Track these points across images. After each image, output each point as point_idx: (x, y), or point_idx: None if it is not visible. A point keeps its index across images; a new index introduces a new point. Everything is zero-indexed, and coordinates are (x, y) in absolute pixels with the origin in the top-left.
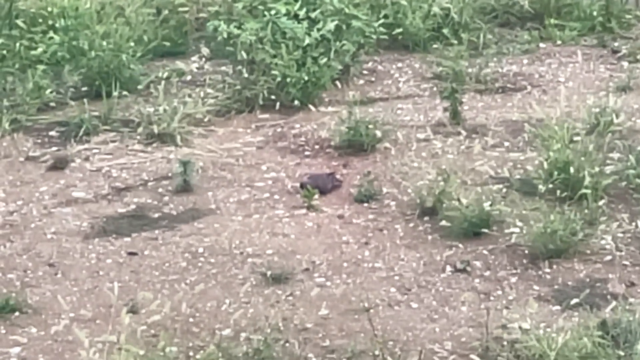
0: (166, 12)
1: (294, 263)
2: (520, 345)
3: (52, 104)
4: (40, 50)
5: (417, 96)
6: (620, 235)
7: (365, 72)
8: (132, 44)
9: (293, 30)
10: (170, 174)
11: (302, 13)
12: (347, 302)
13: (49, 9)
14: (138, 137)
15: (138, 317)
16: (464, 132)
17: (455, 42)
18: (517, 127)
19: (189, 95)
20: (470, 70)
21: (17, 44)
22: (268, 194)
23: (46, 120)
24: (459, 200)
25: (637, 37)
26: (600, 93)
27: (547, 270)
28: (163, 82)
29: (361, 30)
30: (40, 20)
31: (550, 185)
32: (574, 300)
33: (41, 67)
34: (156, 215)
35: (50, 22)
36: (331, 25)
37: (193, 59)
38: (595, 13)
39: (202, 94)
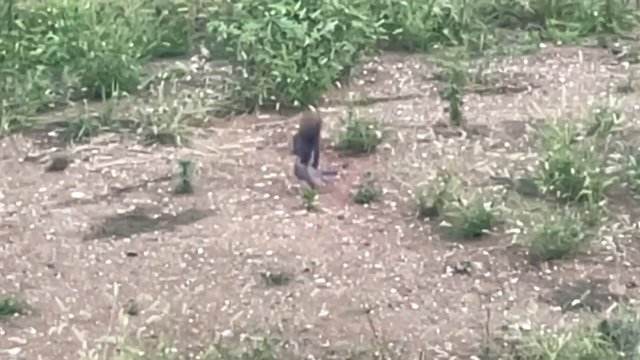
0: (166, 12)
1: (294, 264)
2: (520, 346)
3: (52, 105)
4: (39, 50)
5: (417, 97)
6: (621, 236)
7: (365, 72)
8: (131, 44)
9: (293, 31)
10: (170, 175)
11: (302, 13)
12: (347, 303)
13: (49, 9)
14: (138, 137)
15: (137, 318)
16: (464, 133)
17: (456, 42)
18: (518, 128)
19: (189, 96)
20: (470, 70)
21: (17, 45)
22: (268, 194)
23: (45, 121)
24: (459, 201)
25: (638, 37)
26: (601, 94)
27: (548, 271)
28: (163, 83)
29: (361, 30)
30: (40, 20)
31: (551, 186)
32: (575, 301)
33: (40, 67)
34: (156, 216)
35: (49, 23)
36: (331, 26)
37: (193, 59)
38: (596, 13)
39: (201, 95)
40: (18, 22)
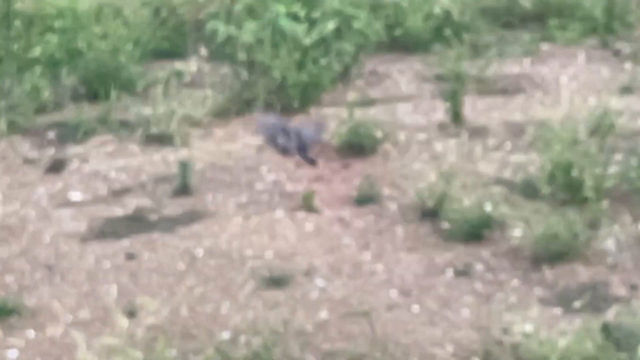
0: (165, 13)
1: (294, 265)
2: (521, 348)
3: (50, 106)
4: (37, 51)
5: (418, 97)
6: (623, 237)
7: (365, 73)
8: (130, 45)
9: (293, 31)
10: (168, 176)
11: (302, 14)
12: (347, 304)
13: (47, 10)
14: (136, 139)
15: (136, 319)
16: (465, 134)
17: (457, 43)
18: (519, 129)
19: (188, 97)
20: (471, 71)
21: (15, 45)
22: (267, 196)
23: (44, 122)
24: (460, 202)
25: (639, 38)
26: (603, 94)
27: (549, 272)
28: (162, 84)
29: (362, 31)
30: (38, 21)
31: (552, 187)
32: (576, 303)
33: (39, 68)
34: (155, 217)
35: (47, 23)
36: (331, 26)
37: (192, 60)
38: (597, 14)
39: (201, 96)
40: (16, 22)
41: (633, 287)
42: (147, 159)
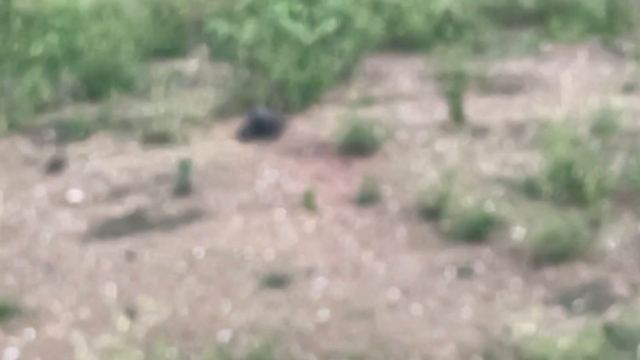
0: (165, 12)
1: (294, 265)
2: (522, 348)
3: (50, 105)
4: (38, 50)
5: (419, 97)
6: (624, 237)
7: (366, 72)
8: (130, 44)
9: (294, 31)
10: (169, 176)
11: (303, 13)
12: (348, 304)
13: (47, 9)
14: (136, 138)
15: (136, 320)
16: (466, 133)
17: (458, 42)
18: (520, 128)
19: (188, 97)
20: (472, 70)
21: (15, 45)
22: (268, 195)
23: (44, 121)
24: (461, 201)
25: None
26: (604, 93)
27: (550, 272)
28: (162, 83)
29: (363, 30)
30: (38, 20)
31: (554, 187)
32: (577, 303)
33: (39, 68)
34: (155, 217)
35: (48, 23)
36: (332, 26)
37: (192, 59)
38: (598, 13)
39: (201, 95)
40: (16, 22)
41: (634, 287)
42: (147, 158)
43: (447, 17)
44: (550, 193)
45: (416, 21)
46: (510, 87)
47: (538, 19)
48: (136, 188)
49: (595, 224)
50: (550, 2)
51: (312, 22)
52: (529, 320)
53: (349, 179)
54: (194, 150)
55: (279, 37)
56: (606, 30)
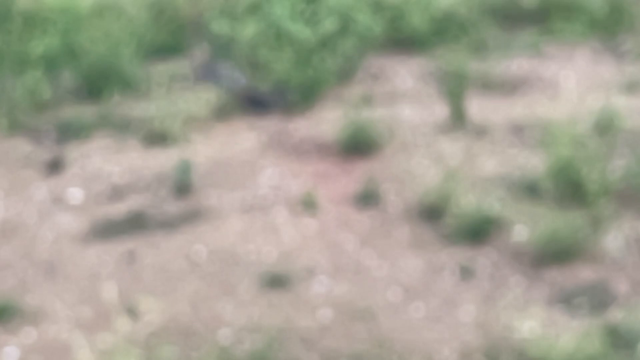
0: (166, 11)
1: (295, 265)
2: (524, 347)
3: (50, 105)
4: (37, 50)
5: (420, 97)
6: (627, 237)
7: (367, 72)
8: (130, 44)
9: (294, 31)
10: (169, 176)
11: (304, 13)
12: (349, 304)
13: (47, 9)
14: (137, 138)
15: (137, 319)
16: (467, 133)
17: (459, 42)
18: (522, 128)
19: (189, 96)
20: (474, 70)
21: (15, 45)
22: (269, 195)
23: (44, 122)
24: (462, 201)
25: None
26: (606, 93)
27: (552, 272)
28: (162, 83)
29: (363, 30)
30: (38, 20)
31: (556, 187)
32: (579, 303)
33: (39, 67)
34: (155, 217)
35: (48, 23)
36: (333, 26)
37: (193, 58)
38: (600, 13)
39: (202, 95)
40: (16, 21)
41: (636, 287)
42: (147, 158)
43: (449, 17)
44: (552, 193)
45: (417, 21)
46: (511, 87)
47: (539, 18)
48: (137, 188)
49: (597, 224)
50: (552, 1)
51: (313, 22)
52: (530, 320)
53: (350, 178)
54: (195, 149)
55: (280, 37)
56: (608, 29)
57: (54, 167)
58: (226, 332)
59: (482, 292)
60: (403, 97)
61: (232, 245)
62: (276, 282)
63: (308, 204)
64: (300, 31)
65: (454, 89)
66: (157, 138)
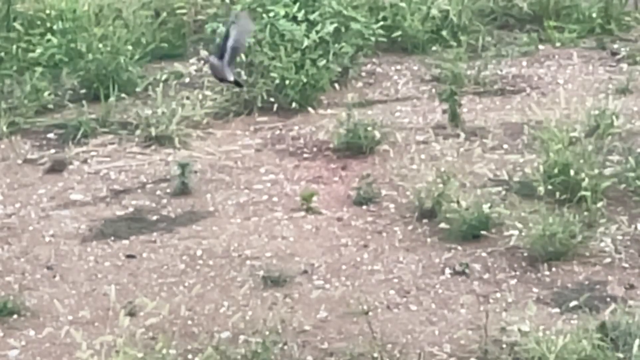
0: (164, 14)
1: (293, 266)
2: (519, 348)
3: (50, 107)
4: (38, 52)
5: (415, 98)
6: (620, 237)
7: (363, 74)
8: (130, 46)
9: (291, 33)
10: (168, 177)
11: (300, 15)
12: (346, 304)
13: (47, 11)
14: (136, 139)
15: (136, 319)
16: (463, 135)
17: (454, 44)
18: (516, 130)
19: (187, 98)
20: (469, 72)
21: (15, 47)
22: (266, 196)
23: (44, 123)
24: (458, 202)
25: (636, 39)
26: (600, 95)
27: (546, 272)
28: (161, 85)
29: (360, 32)
30: (38, 22)
31: (550, 188)
32: (573, 303)
33: (39, 69)
34: (154, 217)
35: (48, 25)
36: (330, 28)
37: (191, 61)
38: (594, 15)
39: (200, 97)
40: (16, 24)
41: (630, 287)
42: (146, 159)
43: (444, 19)
44: (546, 194)
45: (413, 23)
46: (506, 89)
47: (534, 21)
48: (136, 188)
49: (590, 225)
50: (546, 4)
51: (310, 24)
52: (525, 320)
53: (347, 180)
54: (194, 150)
55: (278, 38)
56: (602, 32)
57: (54, 167)
58: (224, 331)
59: (477, 292)
60: (399, 99)
61: (230, 245)
62: (273, 282)
63: (305, 205)
64: (298, 33)
65: (449, 90)
66: (155, 139)
